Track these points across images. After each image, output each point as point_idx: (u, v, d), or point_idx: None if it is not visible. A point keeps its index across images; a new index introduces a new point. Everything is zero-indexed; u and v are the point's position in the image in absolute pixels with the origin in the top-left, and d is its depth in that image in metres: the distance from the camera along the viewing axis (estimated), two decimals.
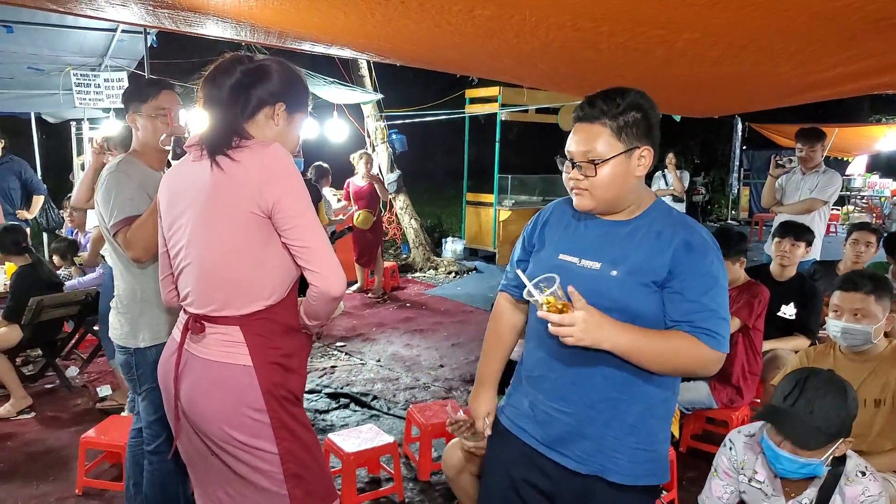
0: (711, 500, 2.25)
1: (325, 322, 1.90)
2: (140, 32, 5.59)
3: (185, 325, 1.82)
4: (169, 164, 2.63)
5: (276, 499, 1.80)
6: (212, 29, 2.59)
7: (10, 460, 3.61)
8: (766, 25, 2.25)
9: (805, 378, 1.98)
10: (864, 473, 2.00)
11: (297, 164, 2.77)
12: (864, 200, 14.77)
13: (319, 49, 3.00)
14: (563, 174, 1.69)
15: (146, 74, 5.50)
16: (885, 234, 4.48)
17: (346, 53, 3.69)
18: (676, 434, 3.14)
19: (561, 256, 1.71)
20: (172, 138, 2.23)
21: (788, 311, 3.84)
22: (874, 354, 2.53)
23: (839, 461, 2.01)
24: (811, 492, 2.04)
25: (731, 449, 2.21)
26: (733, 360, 3.49)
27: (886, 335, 2.60)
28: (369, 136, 9.22)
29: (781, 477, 2.04)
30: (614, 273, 1.61)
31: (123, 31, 5.64)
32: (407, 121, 9.82)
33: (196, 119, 5.60)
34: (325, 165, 7.39)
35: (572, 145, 1.63)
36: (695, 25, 2.28)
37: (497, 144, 9.65)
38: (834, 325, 2.53)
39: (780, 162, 5.03)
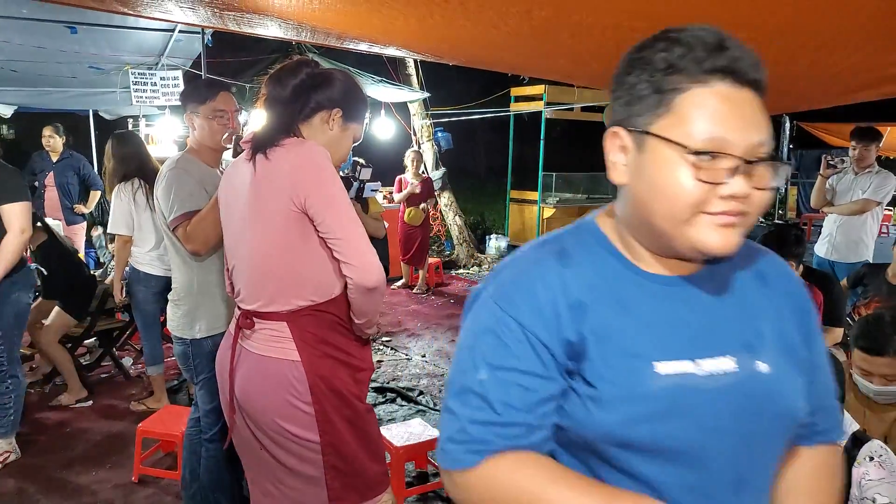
0: None
1: (373, 318, 1.90)
2: (196, 32, 5.75)
3: (238, 320, 1.88)
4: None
5: (317, 487, 1.84)
6: (273, 30, 2.67)
7: (68, 447, 3.76)
8: (825, 23, 2.22)
9: None
10: (871, 458, 1.92)
11: (354, 186, 2.84)
12: None
13: (375, 50, 3.07)
14: (693, 189, 0.83)
15: (202, 73, 5.66)
16: None
17: (401, 54, 3.75)
18: None
19: (662, 369, 0.87)
20: (234, 138, 2.31)
21: None
22: None
23: (857, 444, 1.93)
24: None
25: None
26: None
27: None
28: (415, 134, 9.30)
29: None
30: (765, 368, 0.91)
31: (181, 31, 5.80)
32: (452, 118, 9.86)
33: (255, 118, 5.75)
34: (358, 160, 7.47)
35: (751, 130, 0.83)
36: (751, 24, 2.26)
37: (542, 142, 9.63)
38: (863, 386, 2.29)
39: (831, 162, 4.89)
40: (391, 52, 3.41)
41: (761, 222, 14.54)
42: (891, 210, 13.18)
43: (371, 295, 1.79)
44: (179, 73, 6.34)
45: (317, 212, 1.73)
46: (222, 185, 1.97)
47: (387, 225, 4.01)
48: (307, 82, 1.84)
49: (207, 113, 2.47)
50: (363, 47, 2.99)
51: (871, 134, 4.85)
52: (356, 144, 2.00)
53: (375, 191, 7.85)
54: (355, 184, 2.89)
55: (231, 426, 1.97)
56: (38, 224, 4.45)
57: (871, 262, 4.73)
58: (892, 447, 2.03)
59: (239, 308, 1.90)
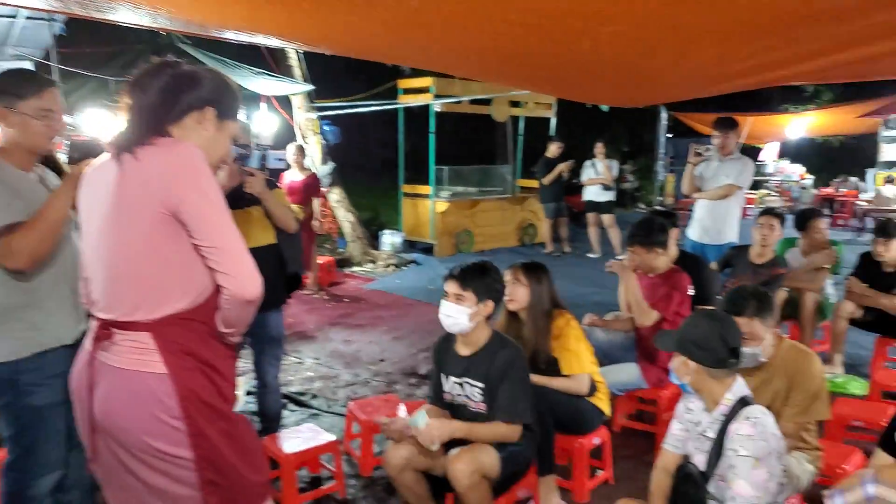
0: (671, 439, 2.48)
1: (242, 330, 1.83)
2: (46, 19, 5.28)
3: (95, 332, 1.75)
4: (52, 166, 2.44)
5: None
6: (126, 16, 2.45)
7: None
8: (685, 19, 2.31)
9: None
10: (748, 418, 2.19)
11: (256, 156, 2.62)
12: (776, 185, 15.72)
13: (244, 38, 2.91)
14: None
15: (54, 64, 5.19)
16: (796, 213, 4.77)
17: (274, 43, 3.59)
18: (608, 413, 3.24)
19: None
20: (69, 143, 2.11)
21: None
22: (763, 365, 2.68)
23: (742, 404, 2.24)
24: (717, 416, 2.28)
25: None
26: None
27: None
28: (300, 129, 9.04)
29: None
30: None
31: (27, 17, 5.28)
32: (339, 112, 9.67)
33: (87, 119, 5.30)
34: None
35: None
36: (617, 18, 2.31)
37: (431, 135, 9.62)
38: None
39: (697, 150, 5.36)
40: (261, 41, 3.25)
41: (640, 209, 15.35)
42: (754, 194, 14.34)
43: (247, 307, 1.74)
44: (30, 65, 5.77)
45: (191, 217, 1.65)
46: (83, 190, 1.83)
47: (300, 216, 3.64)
48: (172, 83, 1.75)
49: (28, 110, 2.18)
50: (229, 35, 2.83)
51: (728, 123, 5.36)
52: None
53: (282, 160, 7.28)
54: (256, 153, 2.67)
55: (90, 452, 1.82)
56: None
57: (736, 243, 5.09)
58: None
59: (96, 319, 1.76)
